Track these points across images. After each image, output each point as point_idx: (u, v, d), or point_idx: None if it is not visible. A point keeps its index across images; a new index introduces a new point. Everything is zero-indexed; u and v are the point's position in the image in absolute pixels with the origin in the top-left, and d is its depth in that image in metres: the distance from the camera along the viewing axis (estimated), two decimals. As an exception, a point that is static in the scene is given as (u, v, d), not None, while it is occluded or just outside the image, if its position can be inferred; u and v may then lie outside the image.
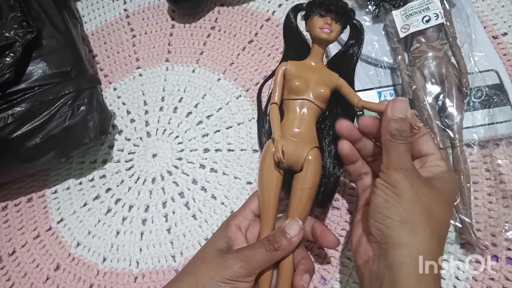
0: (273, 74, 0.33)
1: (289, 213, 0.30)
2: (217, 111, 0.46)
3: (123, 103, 0.48)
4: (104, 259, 0.40)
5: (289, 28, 0.34)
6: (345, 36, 0.35)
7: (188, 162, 0.43)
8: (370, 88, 0.41)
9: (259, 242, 0.29)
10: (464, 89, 0.37)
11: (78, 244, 0.41)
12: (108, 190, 0.43)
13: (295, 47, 0.34)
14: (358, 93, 0.40)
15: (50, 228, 0.42)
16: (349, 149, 0.31)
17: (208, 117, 0.45)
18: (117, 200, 0.43)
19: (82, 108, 0.40)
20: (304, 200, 0.30)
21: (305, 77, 0.31)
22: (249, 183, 0.41)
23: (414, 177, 0.26)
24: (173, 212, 0.41)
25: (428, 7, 0.38)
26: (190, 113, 0.46)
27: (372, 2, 0.43)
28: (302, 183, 0.30)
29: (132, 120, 0.47)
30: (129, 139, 0.46)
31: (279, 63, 0.33)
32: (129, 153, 0.45)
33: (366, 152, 0.32)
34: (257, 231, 0.31)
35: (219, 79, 0.48)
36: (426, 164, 0.29)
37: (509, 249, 0.34)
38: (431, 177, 0.27)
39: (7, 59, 0.37)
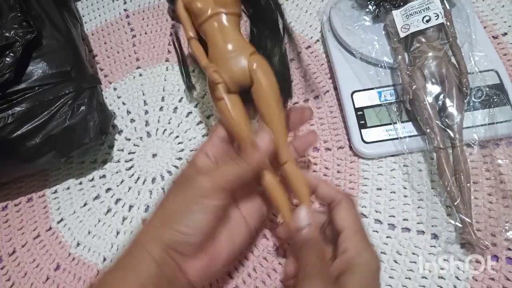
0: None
1: (267, 126, 0.28)
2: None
3: (123, 103, 0.48)
4: (104, 259, 0.40)
5: None
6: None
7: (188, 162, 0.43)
8: (370, 88, 0.41)
9: (228, 158, 0.27)
10: (464, 89, 0.37)
11: (78, 244, 0.41)
12: (108, 190, 0.43)
13: None
14: (358, 93, 0.41)
15: (50, 228, 0.42)
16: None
17: (208, 117, 0.45)
18: (117, 200, 0.43)
19: (82, 108, 0.40)
20: (273, 107, 0.28)
21: None
22: (249, 183, 0.41)
23: (321, 285, 0.24)
24: (173, 212, 0.41)
25: (428, 7, 0.38)
26: (190, 113, 0.46)
27: (372, 2, 0.43)
28: (261, 93, 0.28)
29: (132, 120, 0.47)
30: (129, 139, 0.46)
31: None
32: (129, 153, 0.45)
33: None
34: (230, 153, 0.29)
35: (219, 79, 0.48)
36: (339, 247, 0.26)
37: (509, 249, 0.34)
38: (343, 273, 0.25)
39: (7, 59, 0.37)
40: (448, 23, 0.39)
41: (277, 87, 0.28)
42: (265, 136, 0.27)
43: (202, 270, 0.27)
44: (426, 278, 0.34)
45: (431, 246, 0.35)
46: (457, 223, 0.34)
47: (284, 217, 0.29)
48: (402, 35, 0.39)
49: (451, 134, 0.36)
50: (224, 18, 0.28)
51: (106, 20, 0.55)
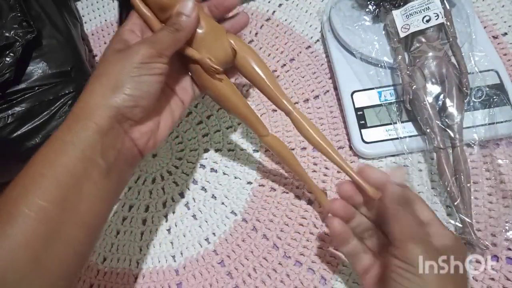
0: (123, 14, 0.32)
1: (270, 94, 0.31)
2: (217, 111, 0.46)
3: (123, 103, 0.48)
4: (104, 259, 0.40)
5: None
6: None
7: (188, 162, 0.43)
8: (371, 88, 0.41)
9: (159, 28, 0.28)
10: (464, 89, 0.37)
11: (78, 244, 0.41)
12: (108, 190, 0.43)
13: None
14: (358, 93, 0.41)
15: (50, 228, 0.42)
16: (341, 227, 0.29)
17: (208, 117, 0.45)
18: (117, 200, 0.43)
19: (82, 108, 0.40)
20: (264, 70, 0.30)
21: None
22: (249, 183, 0.41)
23: (432, 248, 0.25)
24: (173, 212, 0.41)
25: (428, 7, 0.38)
26: (190, 113, 0.46)
27: (372, 2, 0.43)
28: (250, 62, 0.30)
29: (132, 120, 0.47)
30: (129, 139, 0.46)
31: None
32: (129, 153, 0.45)
33: (360, 229, 0.30)
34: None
35: (219, 79, 0.48)
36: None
37: (509, 249, 0.34)
38: (444, 246, 0.25)
39: (7, 59, 0.37)
40: (448, 23, 0.39)
41: (257, 53, 0.31)
42: (189, 3, 0.28)
43: (147, 134, 0.28)
44: (426, 278, 0.34)
45: (431, 246, 0.35)
46: (457, 223, 0.34)
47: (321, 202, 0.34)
48: (402, 35, 0.39)
49: (451, 134, 0.36)
50: None
51: (106, 20, 0.55)
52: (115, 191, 0.27)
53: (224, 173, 0.42)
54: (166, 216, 0.41)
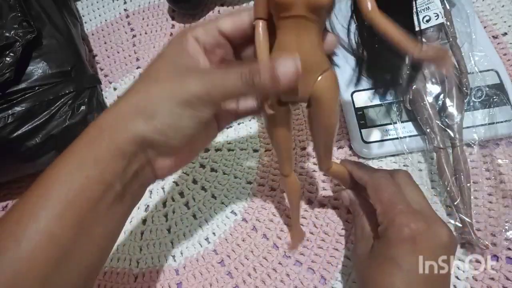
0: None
1: (318, 150, 0.29)
2: (217, 111, 0.46)
3: (123, 103, 0.48)
4: (104, 259, 0.40)
5: None
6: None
7: (188, 162, 0.43)
8: (371, 88, 0.41)
9: (236, 68, 0.21)
10: (464, 89, 0.37)
11: (78, 244, 0.41)
12: (108, 190, 0.43)
13: None
14: (357, 93, 0.41)
15: (50, 228, 0.42)
16: (351, 197, 0.34)
17: (208, 117, 0.45)
18: (117, 200, 0.43)
19: (82, 108, 0.40)
20: (329, 135, 0.27)
21: None
22: (249, 182, 0.41)
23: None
24: (173, 212, 0.41)
25: (428, 6, 0.38)
26: (190, 113, 0.46)
27: (372, 2, 0.43)
28: (319, 120, 0.26)
29: (132, 120, 0.47)
30: (129, 139, 0.46)
31: None
32: (129, 153, 0.45)
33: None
34: (223, 55, 0.25)
35: (219, 79, 0.48)
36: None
37: (509, 248, 0.34)
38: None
39: (7, 59, 0.37)
40: (448, 23, 0.39)
41: (336, 116, 0.26)
42: (291, 64, 0.21)
43: (170, 169, 0.26)
44: (426, 278, 0.34)
45: (431, 246, 0.35)
46: (457, 223, 0.34)
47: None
48: (402, 35, 0.39)
49: (451, 134, 0.36)
50: (306, 25, 0.22)
51: (106, 20, 0.55)
52: (127, 213, 0.26)
53: (224, 173, 0.42)
54: (166, 216, 0.41)
